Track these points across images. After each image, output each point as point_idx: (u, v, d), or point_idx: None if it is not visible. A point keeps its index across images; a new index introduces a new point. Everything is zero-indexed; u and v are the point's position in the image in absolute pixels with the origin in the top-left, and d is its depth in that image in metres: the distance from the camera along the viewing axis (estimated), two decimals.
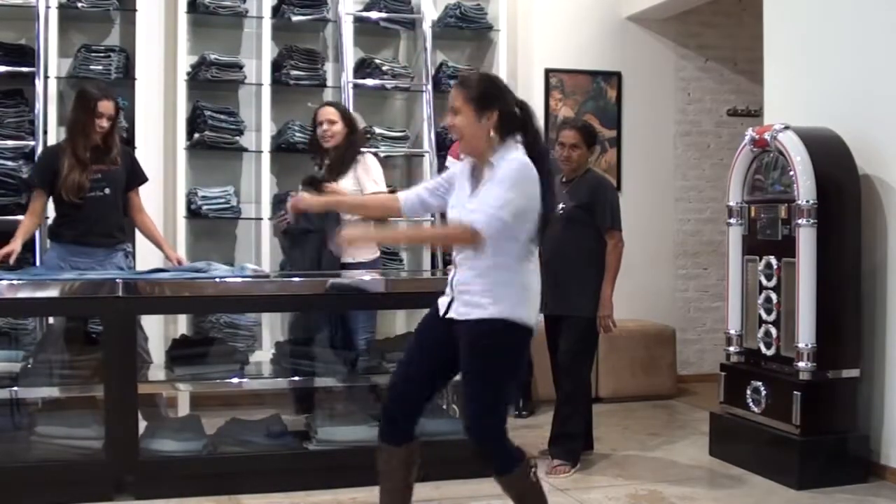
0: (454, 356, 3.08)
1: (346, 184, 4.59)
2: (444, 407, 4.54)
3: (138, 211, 4.62)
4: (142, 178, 4.63)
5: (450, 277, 3.15)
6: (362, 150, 4.81)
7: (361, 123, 5.33)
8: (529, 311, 3.05)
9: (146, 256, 5.02)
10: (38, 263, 4.85)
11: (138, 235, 4.84)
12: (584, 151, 4.51)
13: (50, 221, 4.65)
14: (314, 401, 4.61)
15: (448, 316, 3.09)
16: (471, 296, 3.02)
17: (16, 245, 4.27)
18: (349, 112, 4.87)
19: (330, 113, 4.69)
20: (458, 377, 3.17)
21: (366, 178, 4.64)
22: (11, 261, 4.20)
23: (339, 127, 4.66)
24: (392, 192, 5.67)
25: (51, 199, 4.47)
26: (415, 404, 3.19)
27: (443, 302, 3.14)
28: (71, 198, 4.33)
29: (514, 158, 3.02)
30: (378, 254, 4.86)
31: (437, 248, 5.33)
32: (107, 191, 4.42)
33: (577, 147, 4.48)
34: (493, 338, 3.01)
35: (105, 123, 4.35)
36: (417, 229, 2.97)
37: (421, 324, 3.26)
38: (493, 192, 2.97)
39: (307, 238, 4.58)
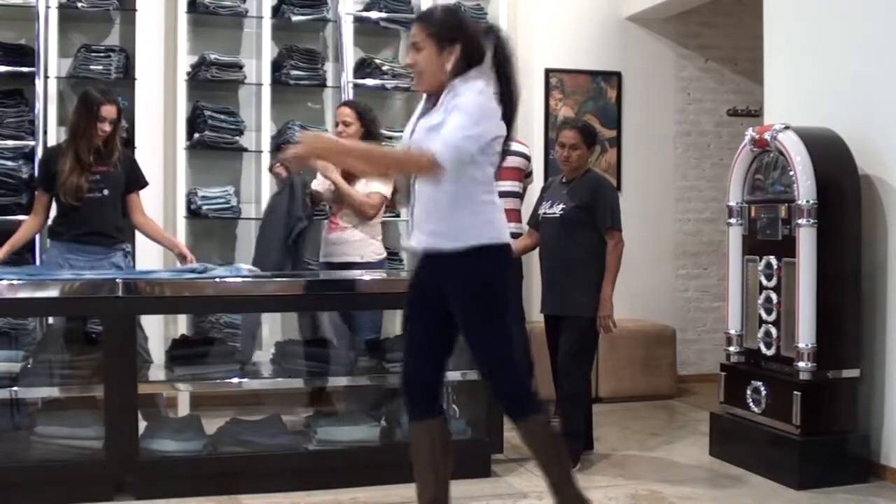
0: (452, 322, 3.05)
1: (358, 185, 4.61)
2: (444, 407, 4.53)
3: (139, 213, 4.62)
4: (142, 182, 4.62)
5: (410, 212, 3.10)
6: None
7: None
8: (496, 232, 2.99)
9: (146, 256, 5.03)
10: (37, 262, 4.85)
11: (138, 235, 4.84)
12: (584, 152, 4.52)
13: (50, 221, 4.65)
14: (321, 399, 4.62)
15: (416, 248, 3.05)
16: (435, 225, 2.97)
17: (5, 248, 4.34)
18: (369, 114, 4.79)
19: (346, 114, 4.69)
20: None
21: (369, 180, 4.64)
22: None
23: (353, 129, 4.65)
24: (394, 191, 5.69)
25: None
26: (429, 377, 3.17)
27: (412, 243, 3.09)
28: (69, 200, 4.33)
29: (475, 87, 2.94)
30: (384, 254, 4.87)
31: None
32: (105, 192, 4.42)
33: (577, 147, 4.49)
34: (471, 269, 2.95)
35: (107, 127, 4.36)
36: (377, 148, 2.89)
37: (407, 299, 3.20)
38: (457, 121, 2.88)
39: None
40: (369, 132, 4.69)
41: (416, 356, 3.17)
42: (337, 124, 4.72)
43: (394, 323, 5.64)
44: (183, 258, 4.59)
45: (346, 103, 4.94)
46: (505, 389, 3.09)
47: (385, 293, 4.35)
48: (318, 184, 4.72)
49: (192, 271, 4.17)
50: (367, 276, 4.43)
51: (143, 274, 4.10)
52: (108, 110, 4.34)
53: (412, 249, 3.11)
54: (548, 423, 3.12)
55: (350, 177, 4.57)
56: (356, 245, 4.70)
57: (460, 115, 2.89)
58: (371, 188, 4.63)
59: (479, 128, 2.91)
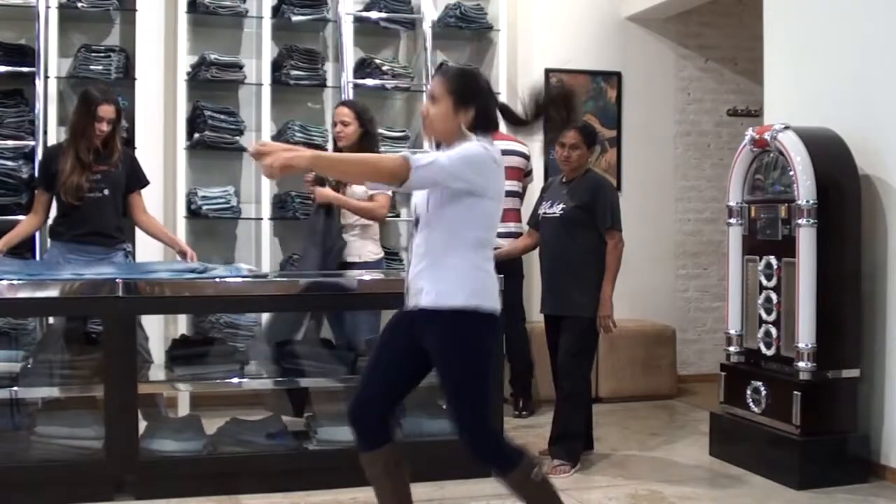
0: (421, 363, 3.05)
1: (360, 188, 4.61)
2: (444, 407, 4.53)
3: (141, 212, 4.62)
4: (143, 182, 4.62)
5: (406, 272, 3.12)
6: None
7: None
8: (486, 299, 2.98)
9: (146, 257, 5.02)
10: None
11: (138, 236, 4.84)
12: (584, 152, 4.52)
13: (51, 220, 4.65)
14: (311, 401, 4.61)
15: (407, 308, 3.06)
16: (425, 282, 2.98)
17: (1, 246, 4.32)
18: (367, 113, 4.78)
19: (344, 114, 4.68)
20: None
21: None
22: None
23: (351, 129, 4.64)
24: (394, 191, 5.67)
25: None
26: (380, 410, 3.14)
27: (409, 302, 3.09)
28: (69, 199, 4.34)
29: (474, 144, 2.97)
30: (382, 254, 4.87)
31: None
32: (106, 192, 4.42)
33: (577, 147, 4.48)
34: (459, 330, 2.95)
35: (105, 127, 4.35)
36: (351, 155, 2.92)
37: (386, 329, 3.21)
38: (451, 152, 2.93)
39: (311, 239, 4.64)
40: (367, 132, 4.69)
41: (374, 385, 3.13)
42: (335, 124, 4.71)
43: None
44: (184, 255, 4.58)
45: (345, 103, 4.92)
46: (478, 448, 3.06)
47: (384, 293, 4.35)
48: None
49: (192, 271, 4.17)
50: (366, 276, 4.43)
51: (143, 273, 4.08)
52: (106, 110, 4.34)
53: (408, 306, 3.09)
54: (527, 475, 3.04)
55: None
56: (356, 246, 4.70)
57: (456, 151, 2.93)
58: (371, 191, 4.64)
59: (467, 168, 2.91)
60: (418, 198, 3.09)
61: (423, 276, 2.99)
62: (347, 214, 4.69)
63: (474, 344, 2.99)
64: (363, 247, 4.70)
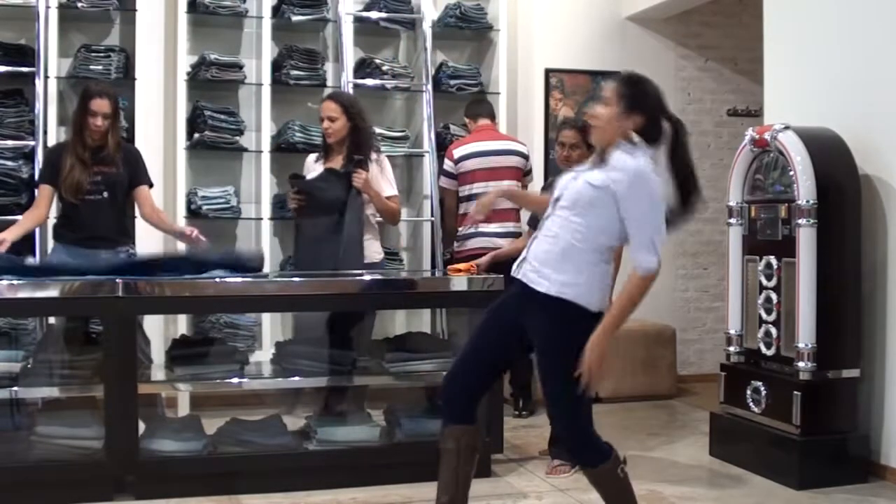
0: (517, 346, 3.15)
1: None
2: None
3: (150, 208, 4.58)
4: (145, 180, 4.58)
5: (529, 244, 3.19)
6: (377, 148, 4.74)
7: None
8: (601, 301, 3.09)
9: None
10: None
11: (139, 236, 4.84)
12: (583, 151, 4.49)
13: (52, 221, 4.65)
14: (318, 400, 4.60)
15: (517, 277, 3.12)
16: (541, 266, 3.05)
17: (8, 235, 4.25)
18: (354, 105, 4.65)
19: (330, 109, 4.56)
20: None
21: (382, 180, 4.61)
22: (1, 249, 4.16)
23: (339, 124, 4.53)
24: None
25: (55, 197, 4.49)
26: (473, 389, 3.22)
27: (518, 272, 3.15)
28: (69, 197, 4.33)
29: (640, 166, 3.05)
30: (383, 255, 4.85)
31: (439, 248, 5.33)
32: (105, 194, 4.40)
33: (577, 147, 4.47)
34: (568, 321, 3.02)
35: (99, 122, 4.31)
36: (622, 309, 3.03)
37: (490, 310, 3.25)
38: (641, 215, 3.02)
39: (323, 238, 4.52)
40: (356, 126, 4.56)
41: (470, 361, 3.22)
42: (322, 120, 4.58)
43: (393, 322, 5.66)
44: (184, 236, 4.54)
45: (330, 97, 4.71)
46: (571, 438, 3.18)
47: (386, 293, 4.35)
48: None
49: (188, 259, 4.12)
50: (367, 276, 4.43)
51: (142, 273, 4.07)
52: (100, 104, 4.29)
53: (517, 275, 3.15)
54: (614, 470, 3.13)
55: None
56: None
57: (646, 199, 3.05)
58: (386, 191, 4.62)
59: (659, 212, 3.07)
60: (569, 181, 3.16)
61: (540, 258, 3.06)
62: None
63: (574, 337, 3.03)
64: (370, 246, 4.68)
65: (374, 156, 4.61)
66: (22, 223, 4.43)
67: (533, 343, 3.11)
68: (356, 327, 4.63)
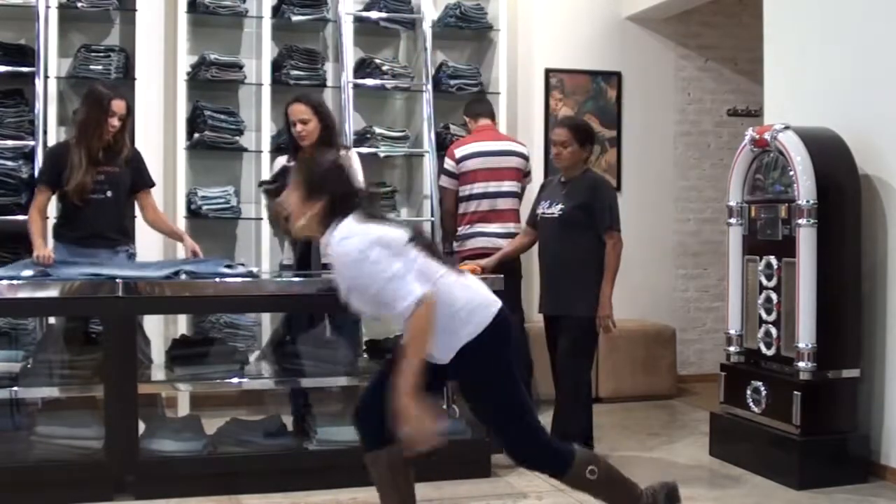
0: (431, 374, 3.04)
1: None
2: (445, 407, 4.53)
3: (152, 211, 4.59)
4: (148, 182, 4.59)
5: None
6: (346, 146, 4.71)
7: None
8: (482, 316, 3.00)
9: (147, 257, 5.01)
10: None
11: (139, 237, 4.83)
12: (575, 149, 4.49)
13: (52, 221, 4.65)
14: (312, 401, 4.60)
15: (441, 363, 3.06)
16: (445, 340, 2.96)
17: (45, 250, 4.20)
18: (322, 105, 4.60)
19: (301, 112, 4.46)
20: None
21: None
22: (51, 262, 4.10)
23: (312, 125, 4.45)
24: (393, 191, 5.68)
25: (54, 197, 4.48)
26: (382, 414, 3.07)
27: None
28: (74, 198, 4.32)
29: (335, 242, 2.99)
30: None
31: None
32: (109, 193, 4.40)
33: (568, 144, 4.46)
34: (474, 359, 2.99)
35: (116, 122, 4.33)
36: (408, 359, 2.84)
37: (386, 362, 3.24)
38: (365, 279, 2.93)
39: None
40: (326, 125, 4.50)
41: (372, 392, 3.17)
42: (294, 124, 4.48)
43: (391, 322, 5.65)
44: (195, 255, 4.55)
45: (299, 99, 4.55)
46: (532, 458, 3.14)
47: None
48: None
49: (178, 272, 4.11)
50: None
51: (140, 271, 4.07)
52: (119, 105, 4.32)
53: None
54: (584, 469, 3.09)
55: None
56: None
57: (360, 271, 2.94)
58: None
59: (378, 261, 2.93)
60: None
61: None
62: None
63: (490, 360, 3.01)
64: None
65: (342, 152, 4.59)
66: (37, 227, 4.34)
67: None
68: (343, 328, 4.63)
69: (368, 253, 2.89)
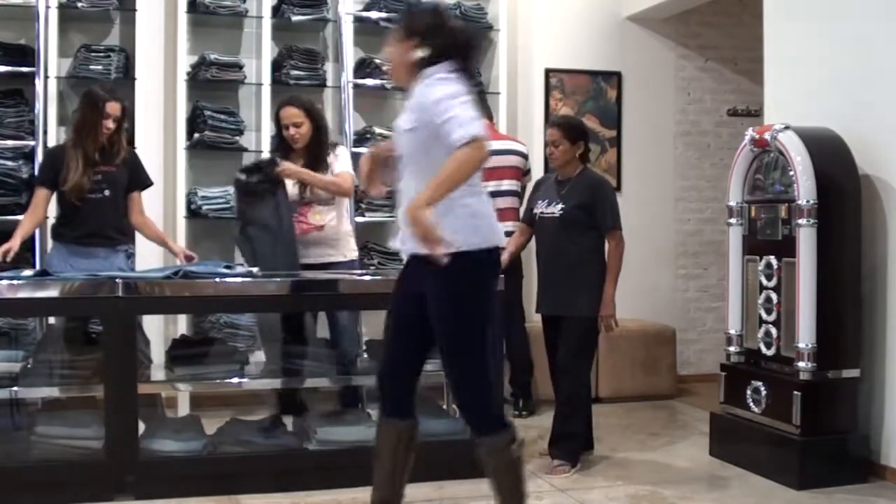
0: (428, 325, 3.03)
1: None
2: (444, 407, 4.54)
3: (138, 213, 4.60)
4: (144, 182, 4.61)
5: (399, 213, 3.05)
6: (333, 143, 4.71)
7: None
8: (484, 237, 2.96)
9: (147, 257, 5.02)
10: (37, 264, 4.83)
11: (138, 236, 4.83)
12: (567, 147, 4.48)
13: (52, 221, 4.65)
14: (307, 402, 4.61)
15: (399, 248, 3.05)
16: (446, 224, 2.84)
17: (14, 243, 4.26)
18: (314, 106, 4.64)
19: (294, 115, 4.49)
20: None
21: (336, 163, 4.57)
22: (9, 258, 4.18)
23: (305, 128, 4.49)
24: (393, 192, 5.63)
25: (53, 198, 4.48)
26: (404, 377, 3.18)
27: (397, 244, 3.09)
28: (72, 199, 4.34)
29: (428, 81, 3.00)
30: (356, 253, 4.82)
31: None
32: (107, 192, 4.42)
33: (559, 143, 4.46)
34: (448, 276, 2.89)
35: (111, 124, 4.35)
36: (439, 180, 2.76)
37: (392, 296, 3.21)
38: (437, 103, 2.89)
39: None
40: (318, 127, 4.53)
41: (393, 354, 3.19)
42: (286, 127, 4.50)
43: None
44: (188, 259, 4.56)
45: (290, 102, 4.58)
46: (471, 406, 3.07)
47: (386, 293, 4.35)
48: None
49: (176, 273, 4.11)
50: (367, 276, 4.43)
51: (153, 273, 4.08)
52: (113, 107, 4.35)
53: (396, 249, 3.11)
54: (508, 447, 3.04)
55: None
56: (339, 243, 4.64)
57: (436, 96, 2.92)
58: (337, 170, 4.56)
59: (455, 96, 2.91)
60: (395, 136, 3.10)
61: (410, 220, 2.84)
62: (319, 212, 4.59)
63: (469, 289, 2.95)
64: (348, 244, 4.67)
65: (331, 149, 4.61)
66: (23, 227, 4.41)
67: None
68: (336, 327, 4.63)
69: (455, 90, 2.91)
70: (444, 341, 3.01)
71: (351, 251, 4.70)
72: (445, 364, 3.05)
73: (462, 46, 3.07)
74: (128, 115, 4.60)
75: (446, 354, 3.03)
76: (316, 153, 4.54)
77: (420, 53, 3.02)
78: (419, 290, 3.01)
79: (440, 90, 2.93)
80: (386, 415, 3.18)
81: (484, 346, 3.00)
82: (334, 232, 4.62)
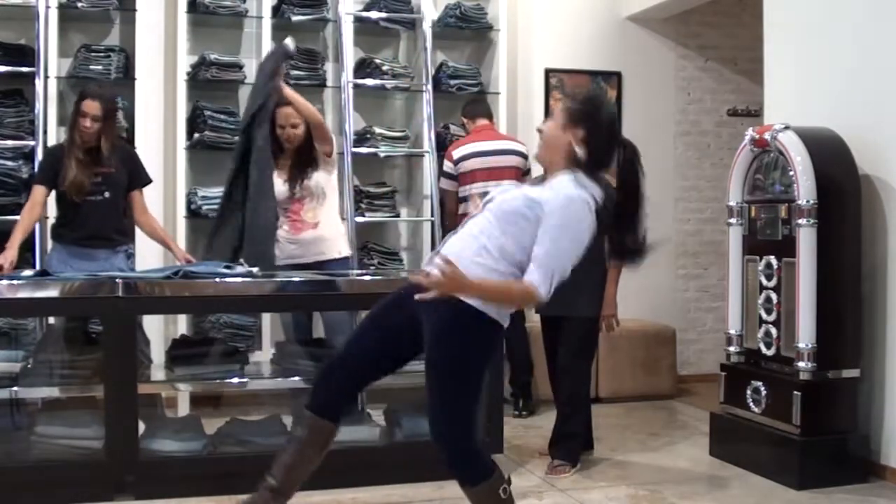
0: (409, 346, 2.98)
1: (317, 177, 4.58)
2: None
3: (142, 212, 4.60)
4: (145, 180, 4.61)
5: (439, 246, 3.03)
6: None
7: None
8: (499, 313, 2.93)
9: (146, 257, 5.02)
10: (37, 264, 4.83)
11: (139, 236, 4.84)
12: None
13: (51, 221, 4.65)
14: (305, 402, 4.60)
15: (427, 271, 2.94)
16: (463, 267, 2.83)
17: (11, 253, 4.20)
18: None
19: (293, 115, 4.52)
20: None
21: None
22: (7, 270, 4.12)
23: (302, 129, 4.54)
24: (393, 191, 5.67)
25: (52, 198, 4.48)
26: (346, 386, 3.09)
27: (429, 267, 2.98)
28: (73, 197, 4.33)
29: (577, 195, 2.97)
30: (349, 250, 4.83)
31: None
32: (106, 194, 4.42)
33: None
34: (462, 325, 2.87)
35: (88, 123, 4.31)
36: (492, 287, 2.79)
37: (380, 304, 3.12)
38: (554, 241, 2.91)
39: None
40: (309, 128, 4.56)
41: (355, 354, 3.08)
42: (282, 127, 4.53)
43: None
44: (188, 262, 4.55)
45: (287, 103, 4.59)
46: (453, 452, 2.94)
47: (385, 293, 4.34)
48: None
49: (177, 273, 4.10)
50: (367, 275, 4.43)
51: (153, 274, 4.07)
52: (90, 105, 4.29)
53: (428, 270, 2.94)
54: (496, 491, 2.95)
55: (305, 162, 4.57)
56: (334, 242, 4.65)
57: (559, 222, 2.95)
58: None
59: (574, 249, 3.01)
60: (510, 189, 3.12)
61: (460, 263, 2.83)
62: (312, 209, 4.60)
63: (481, 348, 2.93)
64: (342, 242, 4.70)
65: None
66: (22, 224, 4.39)
67: (423, 341, 2.93)
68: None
69: (580, 240, 2.98)
70: (435, 380, 2.92)
71: (344, 248, 4.72)
72: (429, 400, 2.93)
73: (610, 160, 3.12)
74: (125, 115, 4.59)
75: (435, 392, 2.92)
76: (306, 154, 4.58)
77: (580, 153, 3.02)
78: (416, 314, 2.93)
79: (574, 216, 2.95)
80: (313, 408, 3.08)
81: (475, 400, 2.93)
82: (329, 229, 4.65)
